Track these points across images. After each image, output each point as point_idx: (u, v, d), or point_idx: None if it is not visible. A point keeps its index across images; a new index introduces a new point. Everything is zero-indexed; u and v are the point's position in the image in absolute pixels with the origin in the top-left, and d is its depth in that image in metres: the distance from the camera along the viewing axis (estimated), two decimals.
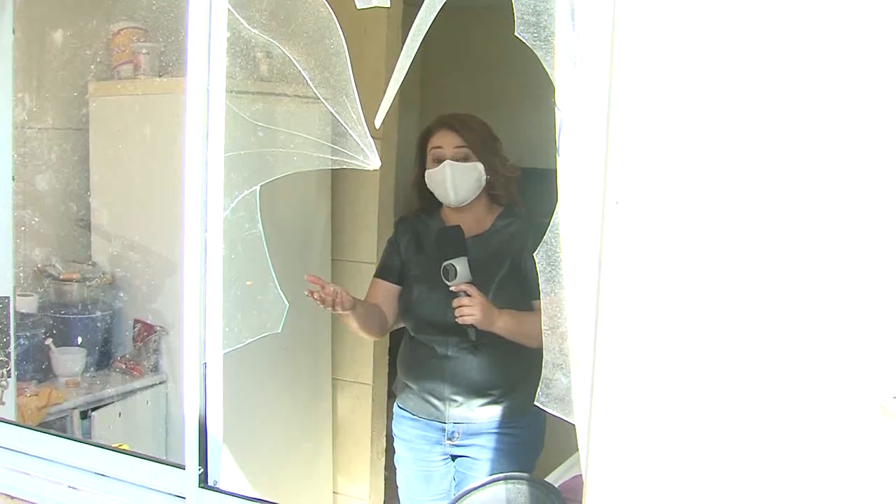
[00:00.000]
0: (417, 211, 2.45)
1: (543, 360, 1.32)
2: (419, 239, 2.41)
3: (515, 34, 1.25)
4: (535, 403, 1.33)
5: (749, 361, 1.12)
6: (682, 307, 1.14)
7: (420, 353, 2.35)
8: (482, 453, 2.33)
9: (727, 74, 1.10)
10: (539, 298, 1.33)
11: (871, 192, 1.05)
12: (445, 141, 2.29)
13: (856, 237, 1.06)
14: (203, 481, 1.64)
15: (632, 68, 1.14)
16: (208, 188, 1.58)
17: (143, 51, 2.77)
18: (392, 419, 2.52)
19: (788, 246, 1.09)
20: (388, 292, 2.41)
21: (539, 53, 1.25)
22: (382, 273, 2.46)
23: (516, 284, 2.24)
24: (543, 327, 1.32)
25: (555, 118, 1.25)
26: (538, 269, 1.29)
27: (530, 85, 2.40)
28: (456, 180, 2.26)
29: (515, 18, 1.25)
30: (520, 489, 1.66)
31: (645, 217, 1.15)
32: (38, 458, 1.86)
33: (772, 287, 1.10)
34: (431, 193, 2.34)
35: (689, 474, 1.16)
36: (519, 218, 2.36)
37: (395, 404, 2.50)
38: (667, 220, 1.14)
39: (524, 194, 2.40)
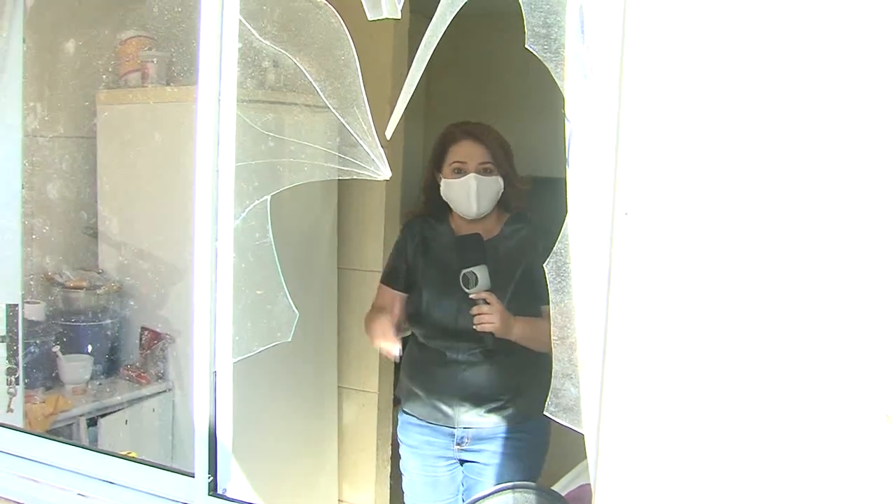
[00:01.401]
0: (424, 214, 2.45)
1: (552, 369, 1.33)
2: (427, 243, 2.41)
3: (526, 46, 1.25)
4: (545, 413, 1.33)
5: (758, 372, 1.12)
6: (691, 318, 1.15)
7: (429, 358, 2.36)
8: (491, 458, 2.34)
9: (737, 86, 1.11)
10: (548, 303, 1.33)
11: (878, 206, 1.05)
12: (470, 153, 2.28)
13: (862, 248, 1.07)
14: (212, 489, 1.64)
15: (641, 80, 1.15)
16: (219, 197, 1.59)
17: (152, 60, 2.78)
18: (398, 425, 2.52)
19: (797, 257, 1.09)
20: (395, 299, 2.43)
21: (549, 65, 1.25)
22: (389, 279, 2.47)
23: (527, 289, 2.25)
24: (553, 337, 1.32)
25: (564, 129, 1.26)
26: (547, 278, 1.30)
27: (536, 93, 2.40)
28: (480, 193, 2.26)
29: (526, 31, 1.25)
30: (527, 498, 1.66)
31: (654, 228, 1.16)
32: (48, 465, 1.86)
33: (780, 297, 1.10)
34: (441, 198, 2.34)
35: (698, 483, 1.17)
36: (527, 223, 2.37)
37: (400, 410, 2.50)
38: (676, 232, 1.15)
39: (530, 202, 2.41)
